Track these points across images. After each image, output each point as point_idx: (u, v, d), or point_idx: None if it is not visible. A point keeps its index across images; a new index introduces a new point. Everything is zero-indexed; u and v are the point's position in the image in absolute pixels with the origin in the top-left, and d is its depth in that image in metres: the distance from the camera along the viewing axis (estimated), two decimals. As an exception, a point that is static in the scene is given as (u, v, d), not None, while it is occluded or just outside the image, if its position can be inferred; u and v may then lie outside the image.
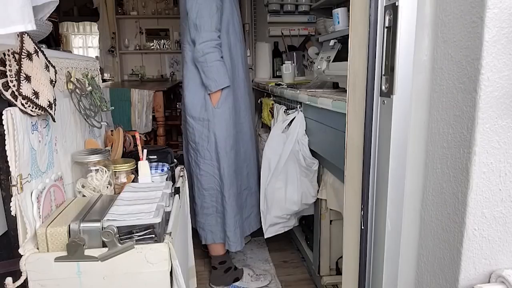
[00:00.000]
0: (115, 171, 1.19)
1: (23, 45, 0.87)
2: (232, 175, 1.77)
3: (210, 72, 1.63)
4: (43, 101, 0.91)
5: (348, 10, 1.23)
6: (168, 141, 3.83)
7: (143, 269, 0.90)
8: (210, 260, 1.91)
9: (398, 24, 0.67)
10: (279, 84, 2.17)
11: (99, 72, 1.54)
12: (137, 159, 1.24)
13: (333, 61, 1.85)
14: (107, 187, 1.13)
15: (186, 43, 1.72)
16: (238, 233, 1.81)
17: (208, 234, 1.81)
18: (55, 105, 0.98)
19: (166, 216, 1.02)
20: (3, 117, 0.82)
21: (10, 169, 0.83)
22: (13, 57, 0.84)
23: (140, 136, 1.31)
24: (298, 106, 1.70)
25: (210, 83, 1.65)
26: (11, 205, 0.84)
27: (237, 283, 1.83)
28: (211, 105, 1.70)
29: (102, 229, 0.88)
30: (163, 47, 4.81)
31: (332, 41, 2.00)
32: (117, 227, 0.88)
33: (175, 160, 1.46)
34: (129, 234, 0.89)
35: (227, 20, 1.69)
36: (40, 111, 0.90)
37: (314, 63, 2.39)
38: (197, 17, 1.58)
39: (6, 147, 0.82)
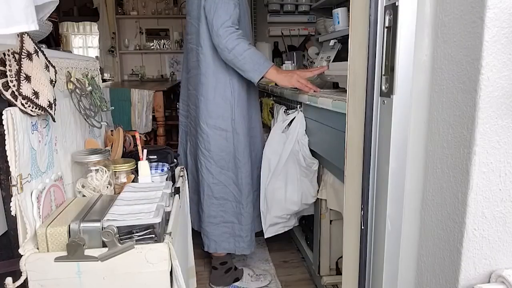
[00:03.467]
0: (115, 171, 1.19)
1: (23, 45, 0.87)
2: (250, 183, 1.75)
3: (245, 64, 1.52)
4: (43, 101, 0.91)
5: (348, 10, 1.23)
6: (168, 141, 3.82)
7: (143, 269, 0.90)
8: (210, 260, 1.91)
9: (398, 24, 0.67)
10: (279, 84, 2.17)
11: (99, 72, 1.54)
12: (137, 159, 1.24)
13: (333, 61, 1.85)
14: (107, 187, 1.13)
15: (199, 47, 1.64)
16: (253, 237, 1.80)
17: (211, 242, 1.79)
18: (55, 105, 0.98)
19: (166, 216, 1.02)
20: (3, 117, 0.82)
21: (10, 169, 0.83)
22: (13, 57, 0.84)
23: (140, 136, 1.31)
24: (298, 106, 1.70)
25: (251, 75, 1.54)
26: (11, 205, 0.84)
27: (237, 283, 1.83)
28: (230, 116, 1.66)
29: (102, 229, 0.88)
30: (163, 47, 4.81)
31: (332, 41, 2.01)
32: (117, 227, 0.88)
33: (175, 160, 1.46)
34: (129, 234, 0.89)
35: (240, 21, 1.62)
36: (40, 111, 0.90)
37: (314, 63, 2.39)
38: (214, 17, 1.50)
39: (6, 147, 0.82)
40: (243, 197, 1.73)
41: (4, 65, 0.83)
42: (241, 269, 1.88)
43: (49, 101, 0.94)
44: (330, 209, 1.65)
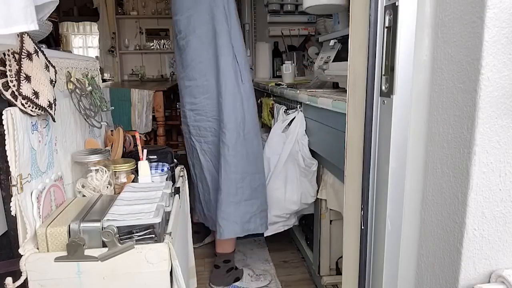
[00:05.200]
0: (115, 171, 1.19)
1: (23, 45, 0.87)
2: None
3: None
4: (43, 101, 0.91)
5: (348, 10, 1.23)
6: (168, 141, 3.82)
7: (143, 269, 0.90)
8: (210, 260, 1.91)
9: (398, 24, 0.67)
10: (279, 84, 2.17)
11: (99, 72, 1.54)
12: (137, 159, 1.24)
13: (333, 61, 1.85)
14: (107, 187, 1.13)
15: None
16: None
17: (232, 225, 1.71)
18: (55, 105, 0.98)
19: (166, 216, 1.02)
20: (3, 117, 0.82)
21: (10, 169, 0.83)
22: (13, 57, 0.84)
23: (140, 136, 1.31)
24: (298, 106, 1.70)
25: None
26: (11, 205, 0.84)
27: (237, 283, 1.82)
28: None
29: (102, 229, 0.88)
30: (163, 47, 4.81)
31: (332, 41, 2.00)
32: (117, 227, 0.88)
33: (175, 160, 1.46)
34: (129, 234, 0.89)
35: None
36: (40, 111, 0.90)
37: (314, 63, 2.39)
38: None
39: (6, 147, 0.82)
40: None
41: (4, 65, 0.83)
42: (241, 269, 1.87)
43: (49, 101, 0.94)
44: (330, 209, 1.65)
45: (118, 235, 0.88)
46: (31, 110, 0.88)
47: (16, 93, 0.84)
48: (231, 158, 1.67)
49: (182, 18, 1.70)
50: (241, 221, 1.71)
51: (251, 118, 1.71)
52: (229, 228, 1.70)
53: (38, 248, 0.88)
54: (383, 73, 0.73)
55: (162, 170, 1.28)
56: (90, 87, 1.30)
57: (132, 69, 4.81)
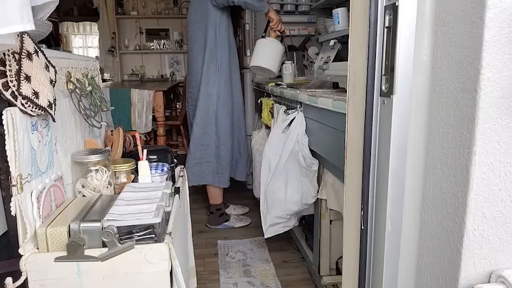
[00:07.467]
0: (115, 171, 1.19)
1: (23, 45, 0.87)
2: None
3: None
4: (43, 101, 0.91)
5: (348, 10, 1.23)
6: (168, 141, 3.83)
7: (143, 269, 0.90)
8: (210, 260, 1.97)
9: (398, 24, 0.67)
10: (279, 84, 2.17)
11: (99, 72, 1.54)
12: (137, 159, 1.24)
13: (333, 61, 1.85)
14: (107, 187, 1.13)
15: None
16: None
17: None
18: (55, 105, 0.98)
19: (166, 216, 1.02)
20: (3, 117, 0.82)
21: (10, 169, 0.83)
22: (13, 57, 0.84)
23: (140, 136, 1.31)
24: (298, 106, 1.70)
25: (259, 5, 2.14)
26: (11, 205, 0.84)
27: (226, 223, 2.49)
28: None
29: (102, 229, 0.88)
30: (163, 47, 4.81)
31: (332, 41, 2.01)
32: (117, 227, 0.88)
33: (175, 160, 1.46)
34: (129, 234, 0.89)
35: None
36: (40, 111, 0.90)
37: (314, 63, 2.40)
38: None
39: (6, 147, 0.82)
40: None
41: (4, 65, 0.83)
42: (229, 214, 2.53)
43: (49, 101, 0.94)
44: (330, 209, 1.65)
45: (118, 235, 0.88)
46: (31, 110, 0.88)
47: (16, 93, 0.84)
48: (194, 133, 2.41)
49: (190, 30, 2.34)
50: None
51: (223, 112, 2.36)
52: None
53: (38, 248, 0.88)
54: (383, 73, 0.73)
55: (162, 170, 1.28)
56: (90, 87, 1.30)
57: (132, 69, 4.81)
